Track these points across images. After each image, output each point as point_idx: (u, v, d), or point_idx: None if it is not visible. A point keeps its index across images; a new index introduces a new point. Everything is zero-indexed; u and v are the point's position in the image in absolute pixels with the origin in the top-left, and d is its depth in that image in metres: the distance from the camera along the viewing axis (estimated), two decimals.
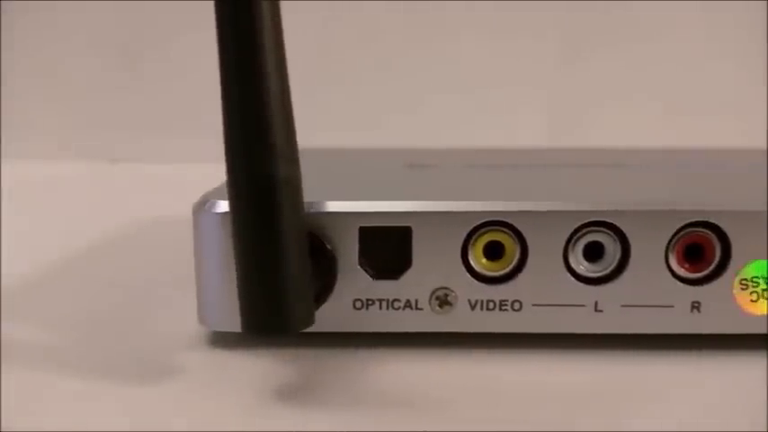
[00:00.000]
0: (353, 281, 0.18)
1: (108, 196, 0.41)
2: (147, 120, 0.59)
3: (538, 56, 0.59)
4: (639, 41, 0.58)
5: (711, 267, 0.18)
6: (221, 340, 0.19)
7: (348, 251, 0.18)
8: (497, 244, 0.18)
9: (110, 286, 0.24)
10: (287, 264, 0.15)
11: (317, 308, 0.18)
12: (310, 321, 0.16)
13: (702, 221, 0.18)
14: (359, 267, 0.18)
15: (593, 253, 0.18)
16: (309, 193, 0.19)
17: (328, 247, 0.18)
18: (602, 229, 0.18)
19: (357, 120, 0.58)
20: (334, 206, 0.18)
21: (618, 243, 0.18)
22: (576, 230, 0.18)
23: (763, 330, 0.18)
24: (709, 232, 0.18)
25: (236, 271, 0.16)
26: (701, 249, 0.18)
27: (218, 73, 0.15)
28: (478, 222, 0.18)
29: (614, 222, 0.18)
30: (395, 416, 0.16)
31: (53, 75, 0.60)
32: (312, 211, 0.18)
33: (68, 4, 0.58)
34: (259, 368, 0.18)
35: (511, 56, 0.59)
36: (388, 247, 0.18)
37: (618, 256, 0.18)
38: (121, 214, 0.34)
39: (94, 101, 0.58)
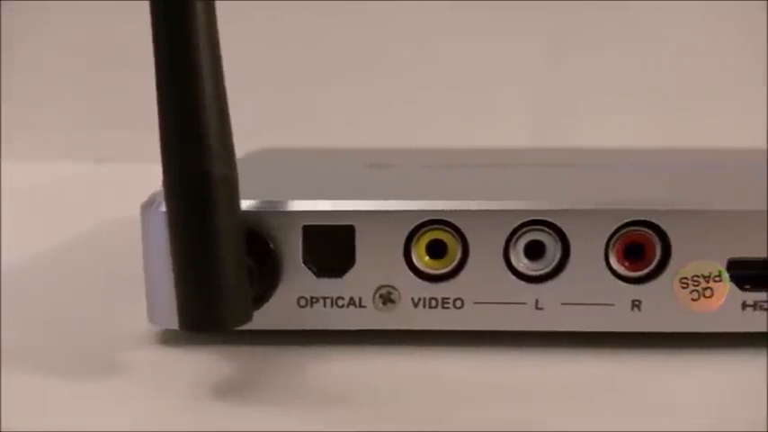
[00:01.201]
0: (298, 279, 0.18)
1: (93, 196, 0.42)
2: (133, 120, 0.59)
3: (525, 55, 0.59)
4: (626, 41, 0.58)
5: (652, 266, 0.18)
6: (172, 339, 0.20)
7: (292, 250, 0.18)
8: (440, 242, 0.18)
9: (72, 285, 0.25)
10: (222, 262, 0.16)
11: (260, 306, 0.18)
12: (247, 319, 0.16)
13: (642, 221, 0.18)
14: (303, 266, 0.18)
15: (535, 251, 0.18)
16: (257, 193, 0.19)
17: (271, 246, 0.18)
18: (542, 228, 0.18)
19: (339, 119, 0.59)
20: (277, 205, 0.18)
21: (558, 242, 0.18)
22: (517, 229, 0.18)
23: (703, 329, 0.19)
24: (650, 231, 0.18)
25: (173, 269, 0.16)
26: (642, 248, 0.18)
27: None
28: (420, 221, 0.18)
29: (554, 221, 0.18)
30: (337, 413, 0.16)
31: (38, 73, 0.60)
32: (256, 209, 0.18)
33: (58, 4, 0.58)
34: (204, 366, 0.18)
35: (497, 55, 0.59)
36: (331, 246, 0.18)
37: (558, 254, 0.18)
38: (103, 214, 0.34)
39: (80, 100, 0.58)
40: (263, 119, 0.58)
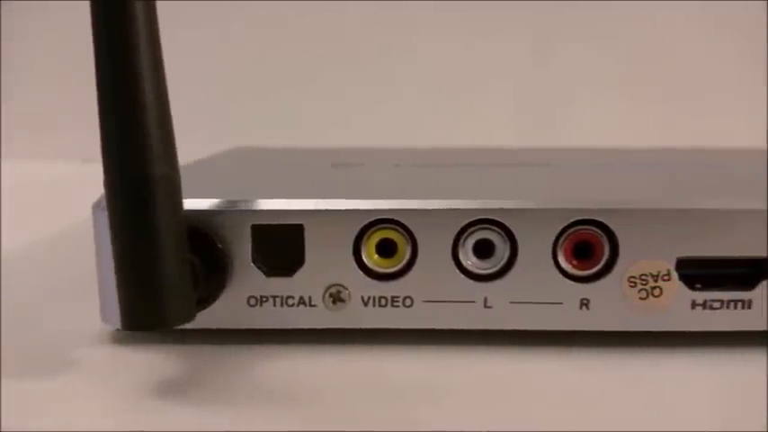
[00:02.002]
0: (247, 278, 0.19)
1: (78, 195, 0.42)
2: None
3: (508, 54, 0.59)
4: (611, 39, 0.58)
5: (600, 265, 0.18)
6: (125, 338, 0.20)
7: (241, 249, 0.18)
8: (389, 241, 0.18)
9: (38, 283, 0.25)
10: (162, 261, 0.16)
11: (209, 306, 0.18)
12: (189, 317, 0.16)
13: (590, 220, 0.18)
14: (252, 265, 0.18)
15: (484, 250, 0.19)
16: (208, 192, 0.19)
17: (219, 245, 0.18)
18: (490, 227, 0.18)
19: (321, 118, 0.59)
20: (226, 204, 0.18)
21: (507, 241, 0.18)
22: (465, 228, 0.18)
23: (652, 328, 0.19)
24: (598, 230, 0.18)
25: (114, 269, 0.16)
26: (590, 247, 0.18)
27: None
28: (369, 220, 0.18)
29: (501, 220, 0.18)
30: (279, 413, 0.16)
31: (26, 73, 0.60)
32: (204, 209, 0.18)
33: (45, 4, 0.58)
34: (153, 365, 0.18)
35: (479, 54, 0.59)
36: (280, 245, 0.18)
37: (507, 253, 0.18)
38: (83, 213, 0.34)
39: (68, 100, 0.59)
40: (248, 118, 0.59)
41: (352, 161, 0.27)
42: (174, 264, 0.16)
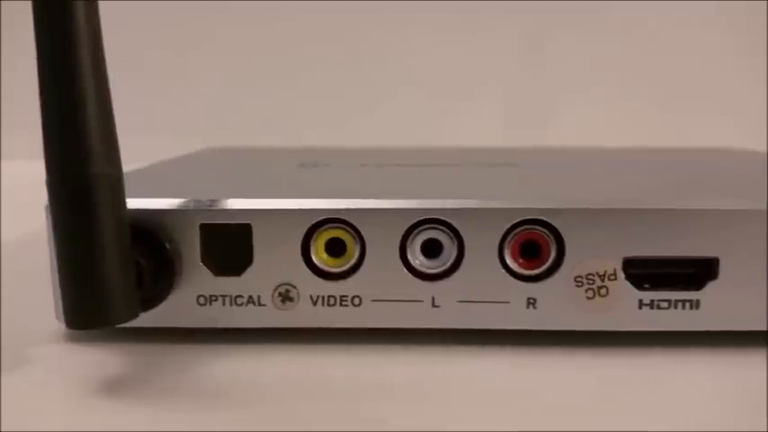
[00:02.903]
0: (196, 277, 0.19)
1: None
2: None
3: (496, 55, 0.59)
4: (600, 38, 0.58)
5: (547, 265, 0.18)
6: (80, 337, 0.20)
7: (190, 248, 0.19)
8: (338, 241, 0.19)
9: (5, 281, 0.25)
10: (103, 261, 0.16)
11: (158, 305, 0.18)
12: (132, 316, 0.16)
13: (536, 219, 0.18)
14: (201, 264, 0.19)
15: (433, 249, 0.19)
16: (159, 192, 0.19)
17: (167, 245, 0.18)
18: (438, 226, 0.18)
19: (312, 118, 0.59)
20: (175, 204, 0.18)
21: (454, 240, 0.18)
22: (413, 228, 0.18)
23: (599, 327, 0.19)
24: (544, 230, 0.18)
25: (57, 268, 0.16)
26: (537, 247, 0.18)
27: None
28: (316, 220, 0.18)
29: (448, 220, 0.18)
30: (230, 412, 0.16)
31: (26, 73, 0.61)
32: (153, 208, 0.18)
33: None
34: (102, 364, 0.18)
35: (470, 55, 0.59)
36: (229, 245, 0.18)
37: (454, 253, 0.18)
38: None
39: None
40: (235, 117, 0.59)
41: (320, 161, 0.27)
42: (115, 263, 0.16)
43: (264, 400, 0.17)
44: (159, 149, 0.31)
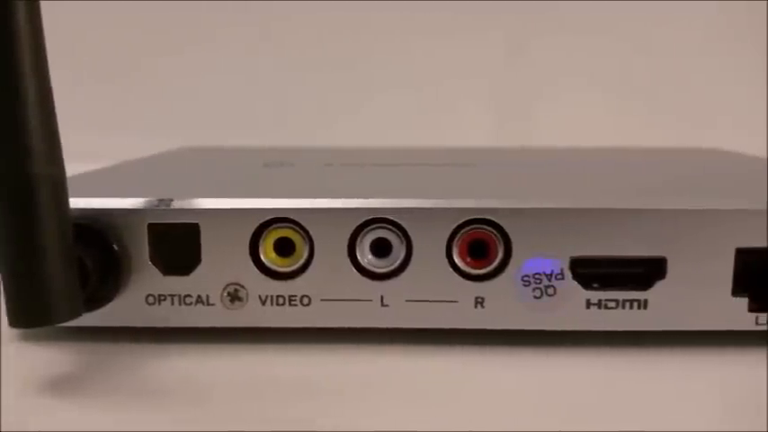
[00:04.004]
0: (145, 277, 0.19)
1: None
2: (94, 121, 0.60)
3: (482, 54, 0.59)
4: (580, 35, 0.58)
5: (494, 264, 0.18)
6: (34, 335, 0.20)
7: (139, 248, 0.19)
8: (287, 240, 0.19)
9: None
10: (44, 259, 0.16)
11: (106, 304, 0.18)
12: (74, 315, 0.16)
13: (483, 219, 0.18)
14: (150, 263, 0.19)
15: (383, 249, 0.19)
16: (109, 191, 0.19)
17: (114, 245, 0.18)
18: (387, 225, 0.18)
19: (299, 119, 0.59)
20: (123, 204, 0.19)
21: (403, 240, 0.18)
22: (361, 227, 0.18)
23: (546, 327, 0.19)
24: (492, 229, 0.18)
25: (0, 268, 0.16)
26: (485, 246, 0.18)
27: None
28: (264, 220, 0.18)
29: (396, 219, 0.18)
30: (177, 411, 0.16)
31: None
32: (101, 208, 0.18)
33: None
34: (51, 363, 0.18)
35: (453, 55, 0.59)
36: (177, 244, 0.19)
37: (403, 252, 0.18)
38: None
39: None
40: (224, 117, 0.59)
41: (287, 161, 0.27)
42: (57, 262, 0.16)
43: (212, 400, 0.17)
44: (153, 149, 0.31)
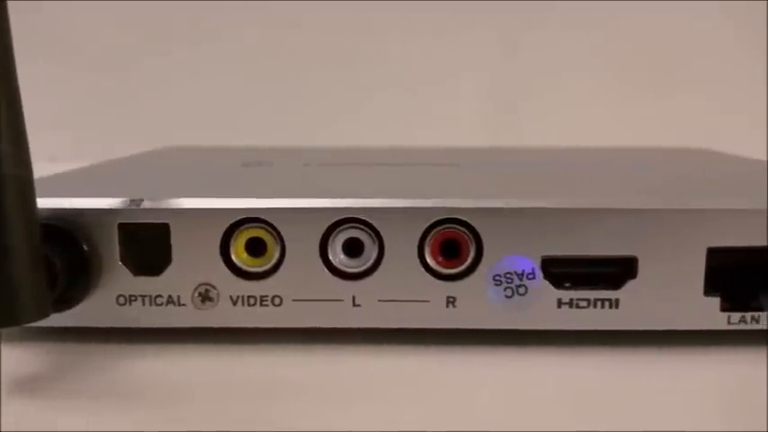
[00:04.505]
0: (116, 277, 0.19)
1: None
2: (83, 120, 0.60)
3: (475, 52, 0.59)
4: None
5: (466, 264, 0.18)
6: (4, 336, 0.19)
7: (109, 248, 0.18)
8: (259, 240, 0.19)
9: None
10: (10, 260, 0.16)
11: (76, 305, 0.18)
12: (41, 315, 0.16)
13: (454, 219, 0.18)
14: (120, 264, 0.19)
15: (355, 249, 0.19)
16: (80, 191, 0.19)
17: (84, 245, 0.18)
18: (359, 225, 0.18)
19: (295, 119, 0.59)
20: (93, 203, 0.18)
21: (375, 239, 0.18)
22: (333, 227, 0.18)
23: (518, 326, 0.19)
24: (463, 229, 0.18)
25: None
26: (457, 246, 0.18)
27: None
28: (235, 219, 0.18)
29: (368, 219, 0.18)
30: (147, 412, 0.16)
31: None
32: (70, 208, 0.18)
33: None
34: (19, 362, 0.18)
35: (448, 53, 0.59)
36: (147, 244, 0.18)
37: (375, 252, 0.18)
38: None
39: (34, 100, 0.59)
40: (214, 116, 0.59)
41: (265, 161, 0.27)
42: (24, 263, 0.16)
43: (183, 401, 0.17)
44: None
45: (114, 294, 0.19)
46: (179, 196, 0.18)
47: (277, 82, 0.60)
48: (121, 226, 0.18)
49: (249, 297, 0.19)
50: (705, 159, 0.31)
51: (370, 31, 0.59)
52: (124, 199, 0.18)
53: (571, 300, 0.18)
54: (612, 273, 0.18)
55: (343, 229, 0.18)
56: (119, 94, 0.60)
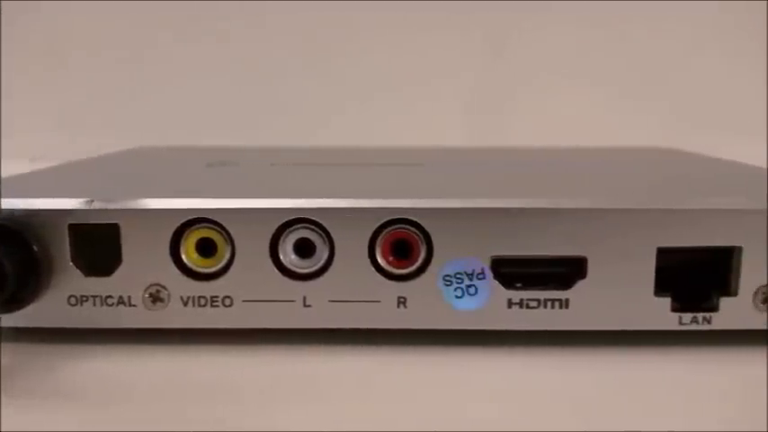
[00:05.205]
0: (67, 278, 0.19)
1: None
2: (64, 120, 0.60)
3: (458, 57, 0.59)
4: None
5: (417, 264, 0.18)
6: None
7: (60, 248, 0.18)
8: (209, 241, 0.19)
9: None
10: None
11: (27, 305, 0.18)
12: None
13: (404, 219, 0.18)
14: (72, 264, 0.19)
15: (307, 249, 0.19)
16: (28, 192, 0.19)
17: (34, 246, 0.18)
18: (310, 226, 0.18)
19: (279, 120, 0.59)
20: (43, 204, 0.18)
21: (326, 240, 0.18)
22: (283, 227, 0.18)
23: (468, 326, 0.19)
24: (414, 229, 0.18)
25: None
26: (408, 246, 0.18)
27: None
28: (185, 220, 0.18)
29: (318, 220, 0.18)
30: (93, 412, 0.16)
31: None
32: (20, 208, 0.18)
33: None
34: None
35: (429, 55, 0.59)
36: (98, 245, 0.18)
37: (326, 252, 0.18)
38: None
39: (14, 101, 0.59)
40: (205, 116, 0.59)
41: (230, 161, 0.27)
42: None
43: (133, 401, 0.17)
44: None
45: (65, 295, 0.19)
46: (133, 197, 0.18)
47: (260, 82, 0.60)
48: (72, 226, 0.18)
49: (200, 297, 0.19)
50: (670, 159, 0.31)
51: (353, 30, 0.59)
52: (74, 199, 0.18)
53: (521, 300, 0.18)
54: (562, 273, 0.18)
55: (293, 230, 0.18)
56: (111, 93, 0.60)
